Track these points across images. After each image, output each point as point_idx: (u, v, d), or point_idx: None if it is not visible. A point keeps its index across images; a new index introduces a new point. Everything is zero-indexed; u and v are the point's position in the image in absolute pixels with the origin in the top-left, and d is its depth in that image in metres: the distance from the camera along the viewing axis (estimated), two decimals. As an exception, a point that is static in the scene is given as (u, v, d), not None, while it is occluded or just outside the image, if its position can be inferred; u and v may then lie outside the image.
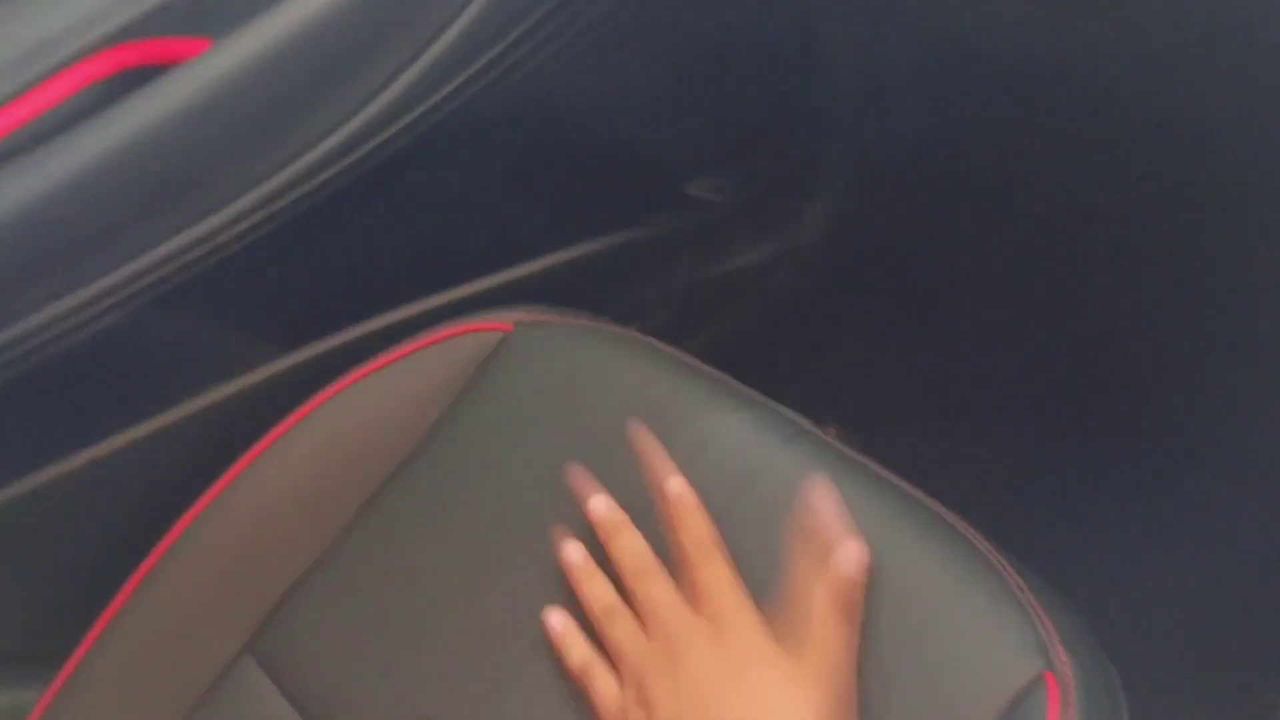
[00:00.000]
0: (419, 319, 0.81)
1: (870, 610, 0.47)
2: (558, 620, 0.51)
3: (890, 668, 0.45)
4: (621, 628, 0.50)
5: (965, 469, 0.75)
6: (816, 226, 1.02)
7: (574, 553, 0.53)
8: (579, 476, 0.54)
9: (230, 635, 0.59)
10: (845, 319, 1.05)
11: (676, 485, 0.52)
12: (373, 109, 0.65)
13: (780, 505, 0.51)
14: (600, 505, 0.53)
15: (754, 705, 0.45)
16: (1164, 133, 0.74)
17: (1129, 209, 0.84)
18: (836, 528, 0.47)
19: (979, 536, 0.49)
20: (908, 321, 1.02)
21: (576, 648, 0.50)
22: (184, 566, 0.60)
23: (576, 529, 0.54)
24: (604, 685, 0.49)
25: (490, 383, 0.62)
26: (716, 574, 0.49)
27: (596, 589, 0.51)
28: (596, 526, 0.53)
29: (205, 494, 0.61)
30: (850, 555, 0.46)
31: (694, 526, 0.50)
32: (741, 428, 0.55)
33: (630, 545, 0.52)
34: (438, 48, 0.66)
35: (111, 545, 0.64)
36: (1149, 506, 0.88)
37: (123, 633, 0.59)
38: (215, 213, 0.63)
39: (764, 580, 0.49)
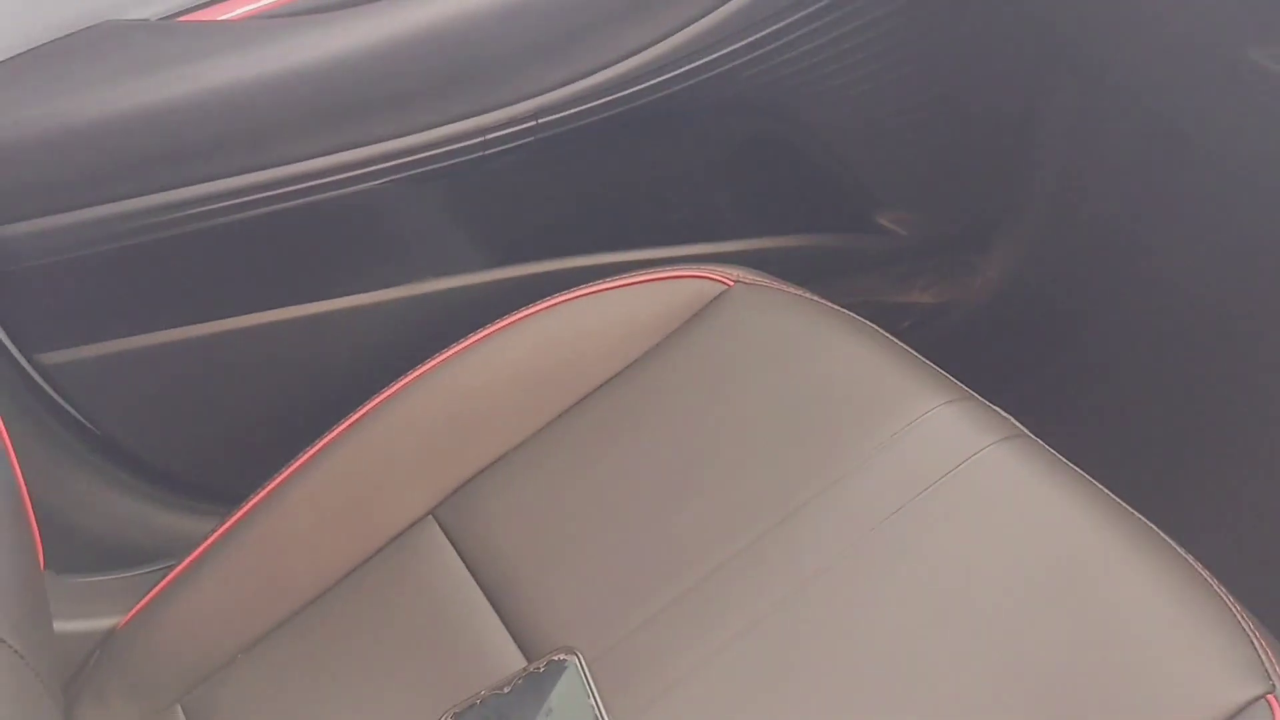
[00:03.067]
0: (606, 268, 0.84)
1: (1089, 621, 0.48)
2: None
3: (1108, 680, 0.47)
4: None
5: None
6: (990, 282, 1.04)
7: None
8: None
9: (419, 497, 0.63)
10: (999, 378, 1.06)
11: None
12: (658, 50, 0.70)
13: (983, 499, 0.53)
14: None
15: None
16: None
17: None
18: None
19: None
20: (1059, 396, 1.03)
21: None
22: (388, 427, 0.64)
23: (762, 482, 0.56)
24: None
25: (705, 329, 0.65)
26: None
27: None
28: None
29: (421, 367, 0.65)
30: None
31: None
32: (956, 418, 0.57)
33: None
34: (727, 8, 0.70)
35: (324, 394, 0.68)
36: None
37: (323, 471, 0.63)
38: (491, 111, 0.68)
39: (950, 571, 0.51)
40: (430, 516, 0.62)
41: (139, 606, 0.61)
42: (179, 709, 0.58)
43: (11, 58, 0.62)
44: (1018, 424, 0.57)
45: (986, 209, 1.04)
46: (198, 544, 0.64)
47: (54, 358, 0.68)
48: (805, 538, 0.54)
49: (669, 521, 0.56)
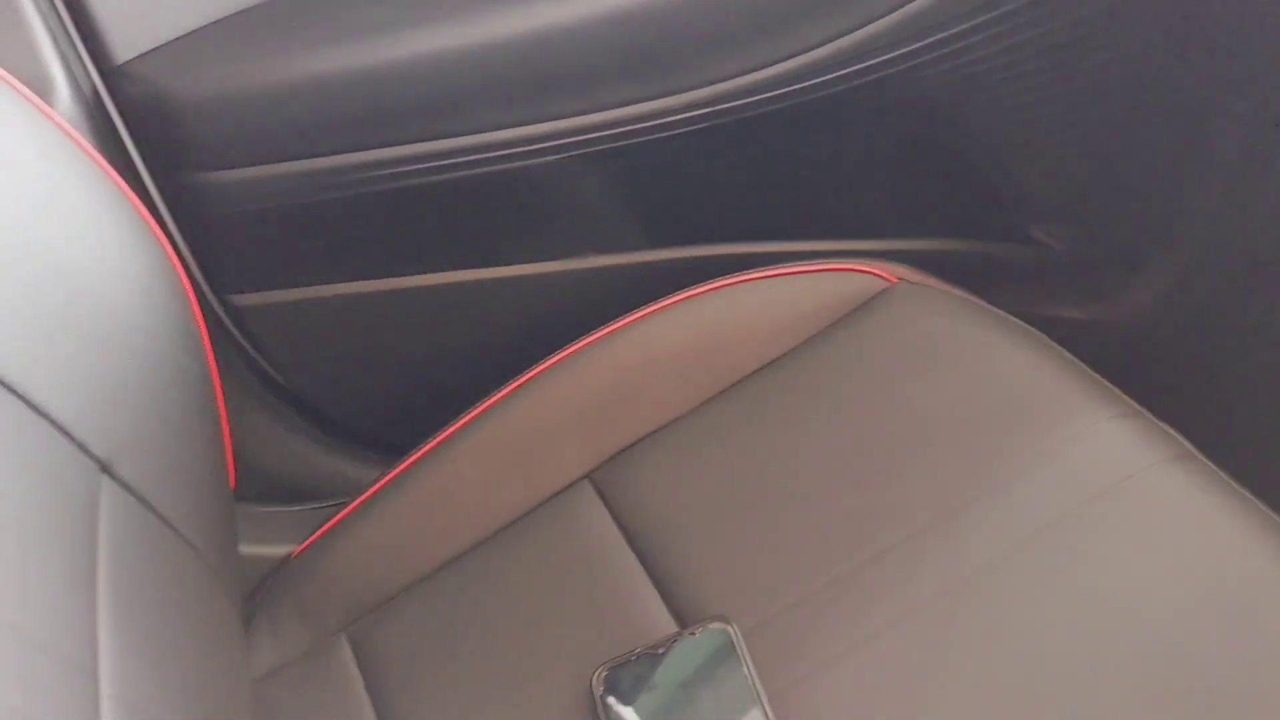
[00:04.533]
0: (767, 257, 0.86)
1: (1255, 648, 0.48)
2: None
3: (1273, 708, 0.46)
4: None
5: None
6: (1142, 303, 1.02)
7: None
8: None
9: (576, 460, 0.65)
10: (1144, 401, 1.04)
11: None
12: (838, 45, 0.71)
13: (1149, 516, 0.53)
14: None
15: None
16: None
17: None
18: None
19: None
20: (1205, 423, 1.01)
21: None
22: (551, 393, 0.66)
23: (923, 478, 0.57)
24: None
25: (867, 323, 0.66)
26: None
27: None
28: None
29: (585, 339, 0.67)
30: None
31: None
32: (1124, 432, 0.57)
33: None
34: (911, 8, 0.71)
35: (490, 357, 0.71)
36: None
37: (488, 428, 0.65)
38: (672, 95, 0.70)
39: (1112, 584, 0.51)
40: (586, 480, 0.65)
41: (311, 539, 0.65)
42: (343, 638, 0.62)
43: (237, 13, 0.66)
44: (1187, 443, 0.57)
45: (1143, 229, 1.02)
46: (362, 487, 0.68)
47: (245, 300, 0.73)
48: (965, 537, 0.55)
49: (827, 507, 0.58)
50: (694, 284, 0.70)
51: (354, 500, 0.65)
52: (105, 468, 0.50)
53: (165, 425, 0.54)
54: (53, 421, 0.48)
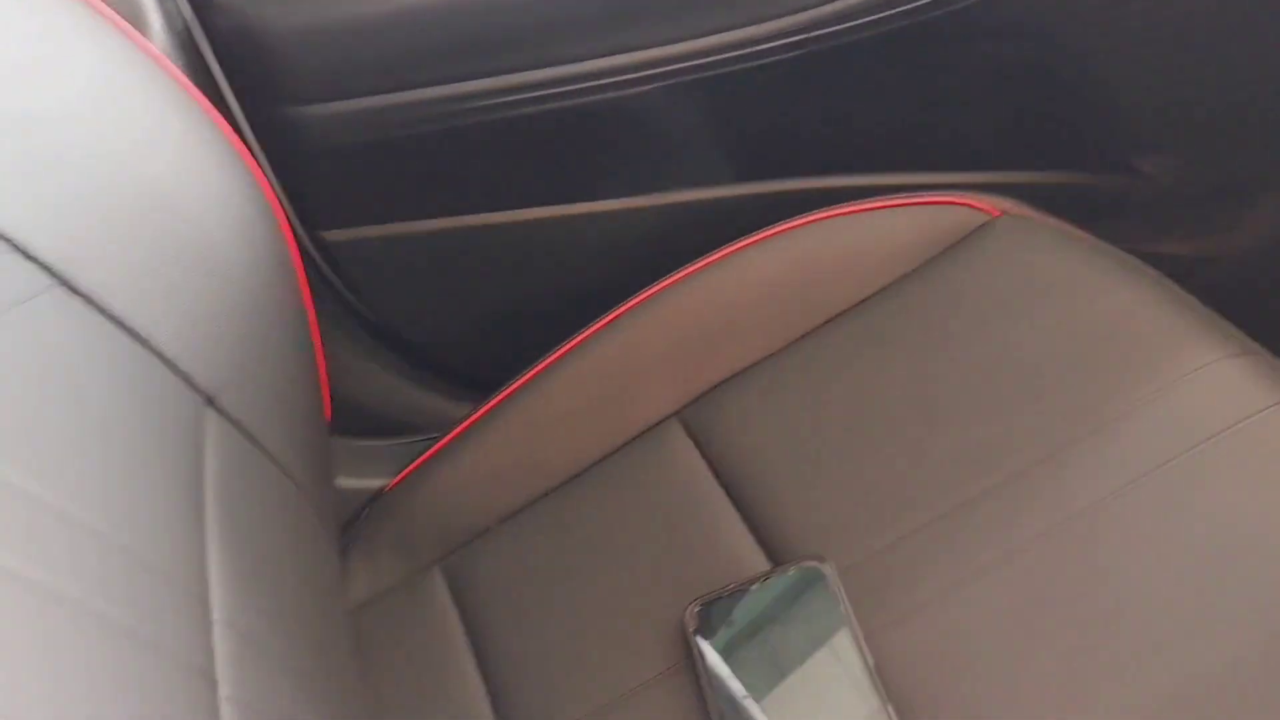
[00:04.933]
0: (863, 190, 0.83)
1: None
2: None
3: None
4: None
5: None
6: (1253, 239, 0.97)
7: None
8: None
9: (665, 398, 0.65)
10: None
11: None
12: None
13: (1266, 459, 0.51)
14: None
15: None
16: None
17: None
18: None
19: None
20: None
21: None
22: (641, 329, 0.66)
23: (1026, 417, 0.55)
24: None
25: (968, 258, 0.64)
26: None
27: None
28: None
29: (676, 274, 0.66)
30: None
31: None
32: (1241, 371, 0.54)
33: None
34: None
35: (579, 293, 0.70)
36: None
37: (579, 364, 0.65)
38: (764, 22, 0.68)
39: (1224, 530, 0.49)
40: (676, 418, 0.65)
41: (405, 472, 0.66)
42: (438, 570, 0.63)
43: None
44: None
45: (1256, 160, 0.97)
46: (453, 423, 0.68)
47: (335, 236, 0.73)
48: (1069, 478, 0.53)
49: (927, 446, 0.56)
50: (786, 218, 0.68)
51: (446, 435, 0.66)
52: (210, 400, 0.51)
53: (266, 359, 0.55)
54: (160, 355, 0.49)
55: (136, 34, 0.54)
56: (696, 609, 0.54)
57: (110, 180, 0.47)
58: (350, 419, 0.76)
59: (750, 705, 0.50)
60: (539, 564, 0.61)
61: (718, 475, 0.61)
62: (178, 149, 0.51)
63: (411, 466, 0.66)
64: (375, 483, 0.68)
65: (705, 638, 0.53)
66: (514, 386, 0.65)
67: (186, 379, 0.50)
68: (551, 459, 0.64)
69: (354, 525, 0.67)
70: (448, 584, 0.62)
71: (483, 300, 0.78)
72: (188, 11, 0.62)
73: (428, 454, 0.66)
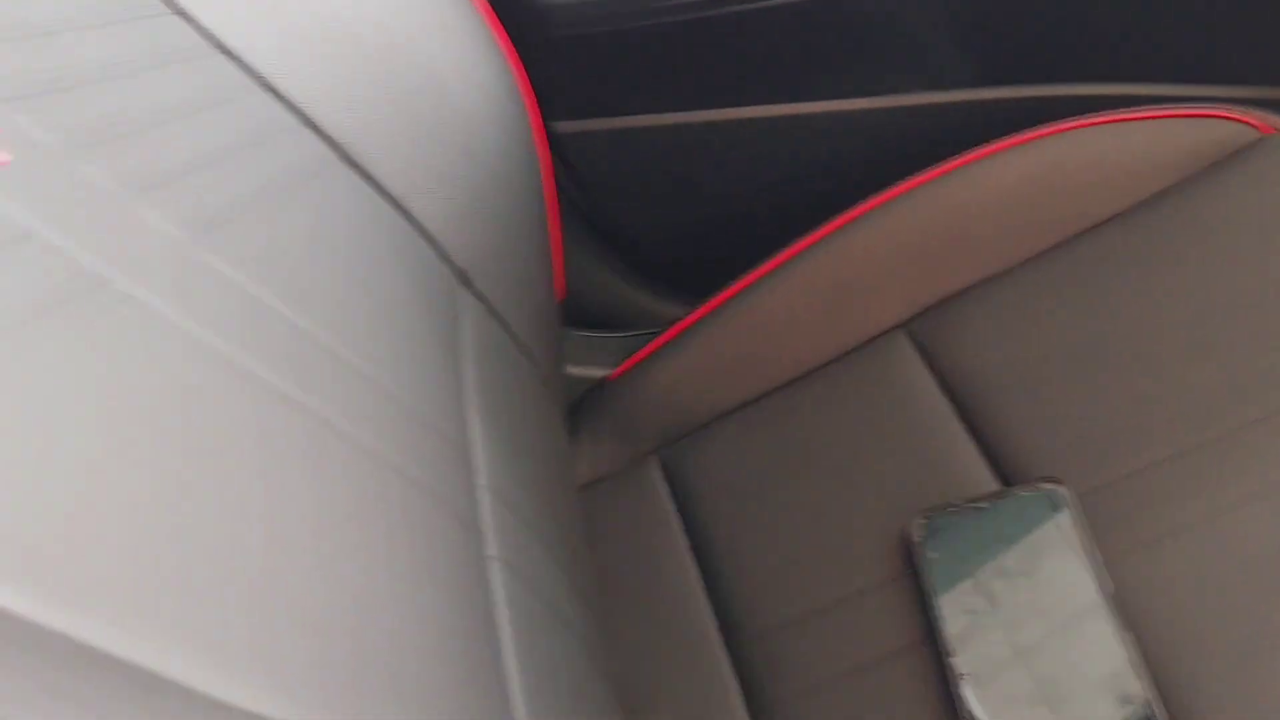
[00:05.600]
0: (1118, 99, 0.78)
1: None
2: None
3: None
4: None
5: None
6: None
7: None
8: None
9: (892, 307, 0.64)
10: None
11: None
12: None
13: None
14: None
15: None
16: None
17: None
18: None
19: None
20: None
21: None
22: (871, 235, 0.64)
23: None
24: None
25: (1237, 175, 0.59)
26: None
27: None
28: None
29: (913, 179, 0.64)
30: None
31: None
32: None
33: None
34: None
35: (805, 196, 0.69)
36: None
37: (805, 267, 0.65)
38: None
39: None
40: (902, 329, 0.63)
41: (628, 363, 0.68)
42: (655, 459, 0.65)
43: None
44: None
45: None
46: (672, 319, 0.69)
47: (565, 127, 0.74)
48: (1345, 417, 0.50)
49: (1179, 374, 0.53)
50: (1030, 127, 0.65)
51: (666, 330, 0.67)
52: (464, 279, 0.53)
53: (512, 243, 0.57)
54: (422, 230, 0.51)
55: None
56: (922, 521, 0.53)
57: (389, 60, 0.49)
58: (573, 309, 0.78)
59: (980, 623, 0.49)
60: (756, 462, 0.61)
61: (945, 389, 0.60)
62: (447, 34, 0.52)
63: (634, 358, 0.67)
64: (596, 372, 0.70)
65: (931, 551, 0.52)
66: (737, 287, 0.65)
67: (444, 255, 0.52)
68: (771, 361, 0.64)
69: (578, 410, 0.69)
70: (664, 472, 0.64)
71: (707, 199, 0.78)
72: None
73: (650, 347, 0.67)
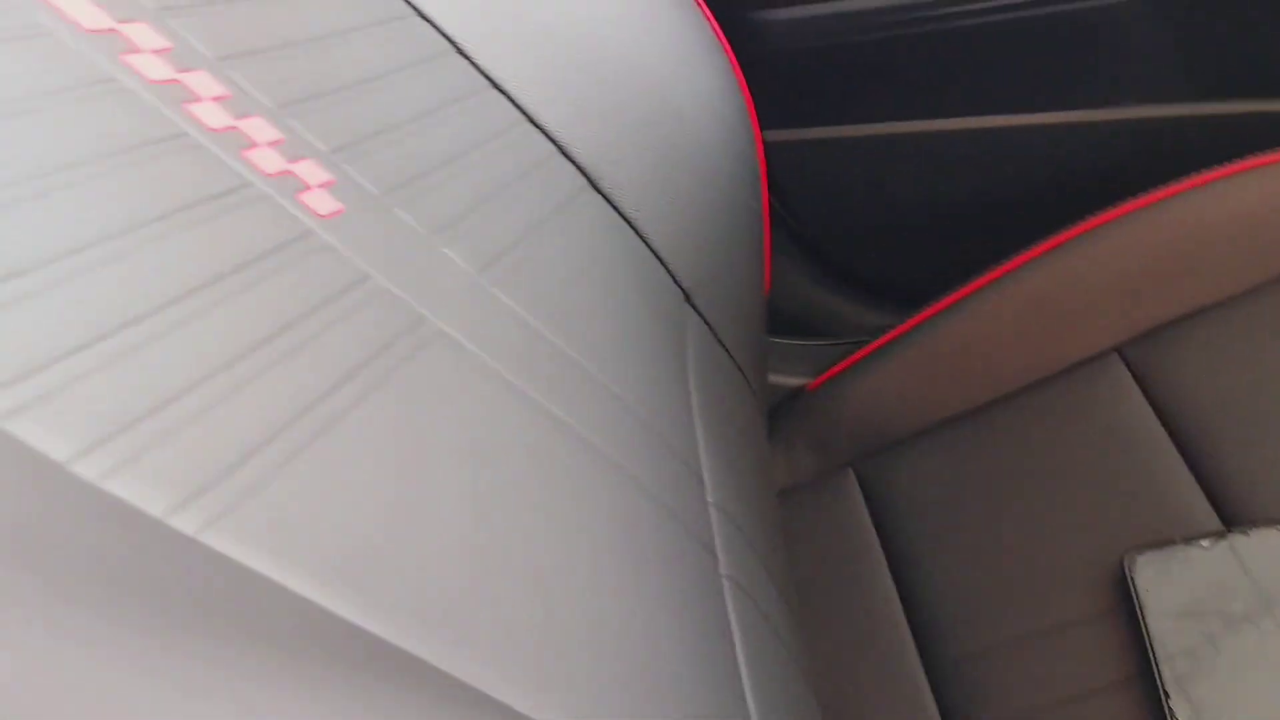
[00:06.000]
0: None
1: None
2: None
3: None
4: None
5: None
6: None
7: None
8: None
9: (1107, 330, 0.63)
10: None
11: None
12: None
13: None
14: None
15: None
16: None
17: None
18: None
19: None
20: None
21: None
22: (1090, 254, 0.64)
23: None
24: None
25: None
26: None
27: None
28: None
29: (1136, 199, 0.63)
30: None
31: None
32: None
33: None
34: None
35: (1019, 210, 0.69)
36: None
37: (1018, 285, 0.64)
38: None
39: None
40: (1116, 353, 0.63)
41: (828, 374, 0.69)
42: (850, 471, 0.66)
43: None
44: None
45: None
46: (872, 331, 0.70)
47: (771, 136, 0.75)
48: None
49: None
50: (1266, 148, 0.63)
51: (869, 341, 0.68)
52: (688, 296, 0.55)
53: (732, 262, 0.58)
54: (655, 251, 0.53)
55: None
56: (1140, 557, 0.53)
57: (633, 89, 0.51)
58: (772, 316, 0.80)
59: (1201, 667, 0.49)
60: (959, 480, 0.62)
61: (1162, 418, 0.59)
62: (686, 63, 0.54)
63: (834, 370, 0.68)
64: (794, 380, 0.71)
65: (1149, 588, 0.52)
66: (945, 302, 0.65)
67: (672, 274, 0.55)
68: (975, 379, 0.65)
69: (773, 417, 0.71)
70: (861, 485, 0.65)
71: (915, 212, 0.78)
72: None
73: (851, 359, 0.68)
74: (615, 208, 0.51)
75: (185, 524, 0.23)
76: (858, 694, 0.58)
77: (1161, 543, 0.53)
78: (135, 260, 0.26)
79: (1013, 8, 0.64)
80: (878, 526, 0.63)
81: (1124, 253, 0.63)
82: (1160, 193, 0.62)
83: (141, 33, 0.31)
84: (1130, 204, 0.63)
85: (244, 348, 0.27)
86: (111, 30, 0.30)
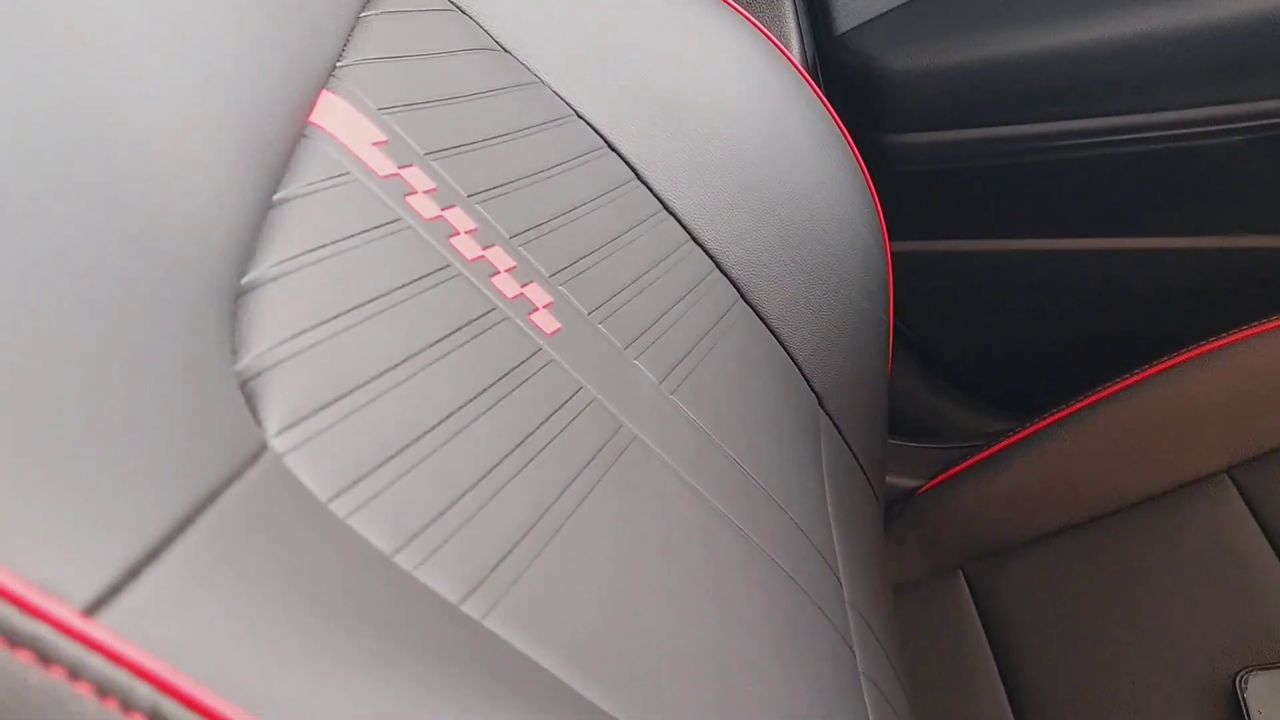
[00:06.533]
0: None
1: None
2: None
3: None
4: None
5: None
6: None
7: None
8: None
9: (1218, 451, 0.65)
10: None
11: None
12: None
13: None
14: None
15: None
16: None
17: None
18: None
19: None
20: None
21: None
22: (1202, 377, 0.66)
23: None
24: None
25: None
26: None
27: None
28: None
29: (1252, 327, 0.66)
30: None
31: None
32: None
33: None
34: None
35: (1129, 328, 0.72)
36: None
37: (1130, 402, 0.67)
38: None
39: None
40: (1226, 474, 0.65)
41: (941, 477, 0.72)
42: (960, 573, 0.69)
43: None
44: None
45: None
46: (983, 436, 0.73)
47: (895, 247, 0.79)
48: None
49: None
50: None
51: (983, 448, 0.71)
52: (820, 401, 0.59)
53: (861, 369, 0.62)
54: (793, 358, 0.58)
55: (785, 50, 0.62)
56: (1251, 676, 0.55)
57: (779, 211, 0.56)
58: (889, 420, 0.83)
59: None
60: (1069, 590, 0.64)
61: (1271, 540, 0.61)
62: (823, 178, 0.59)
63: (948, 473, 0.71)
64: (908, 481, 0.75)
65: (1261, 708, 0.54)
66: (1058, 415, 0.68)
67: (807, 378, 0.59)
68: (1085, 492, 0.67)
69: (889, 517, 0.74)
70: (969, 587, 0.68)
71: (1027, 326, 0.82)
72: (811, 46, 0.70)
73: (964, 464, 0.71)
74: (763, 319, 0.56)
75: (473, 610, 0.28)
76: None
77: (1274, 663, 0.54)
78: (420, 381, 0.31)
79: (1122, 143, 0.68)
80: (986, 627, 0.65)
81: (1234, 377, 0.66)
82: (1274, 321, 0.65)
83: (415, 175, 0.36)
84: (1242, 332, 0.66)
85: (501, 453, 0.32)
86: (440, 218, 0.36)
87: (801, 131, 0.60)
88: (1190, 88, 0.66)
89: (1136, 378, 0.67)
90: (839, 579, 0.51)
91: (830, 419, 0.60)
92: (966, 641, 0.66)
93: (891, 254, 0.80)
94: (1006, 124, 0.70)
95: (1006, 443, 0.70)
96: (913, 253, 0.79)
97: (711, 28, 0.58)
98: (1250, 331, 0.66)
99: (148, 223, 0.23)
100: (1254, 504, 0.63)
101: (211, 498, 0.20)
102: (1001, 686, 0.63)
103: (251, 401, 0.26)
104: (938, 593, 0.69)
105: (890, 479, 0.76)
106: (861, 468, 0.63)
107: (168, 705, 0.18)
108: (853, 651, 0.48)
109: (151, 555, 0.19)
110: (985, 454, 0.70)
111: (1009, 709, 0.62)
